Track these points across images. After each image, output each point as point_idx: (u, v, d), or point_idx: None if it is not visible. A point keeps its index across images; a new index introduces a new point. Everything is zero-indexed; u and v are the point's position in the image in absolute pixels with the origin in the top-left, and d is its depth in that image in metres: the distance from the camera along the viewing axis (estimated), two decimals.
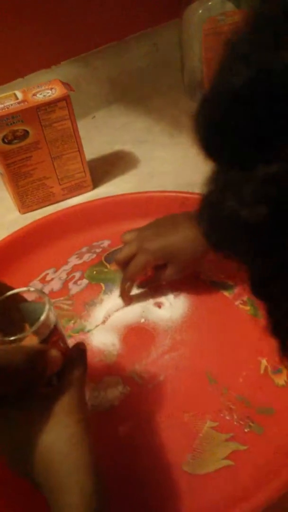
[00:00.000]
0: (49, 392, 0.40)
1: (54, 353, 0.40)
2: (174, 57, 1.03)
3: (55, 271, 0.68)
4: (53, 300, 0.64)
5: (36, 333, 0.40)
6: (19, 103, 0.70)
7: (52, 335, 0.41)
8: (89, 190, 0.82)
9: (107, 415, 0.52)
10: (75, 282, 0.66)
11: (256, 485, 0.44)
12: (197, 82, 0.96)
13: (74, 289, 0.65)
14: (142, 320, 0.60)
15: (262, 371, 0.53)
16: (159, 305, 0.61)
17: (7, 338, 0.39)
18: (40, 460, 0.37)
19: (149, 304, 0.62)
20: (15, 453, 0.38)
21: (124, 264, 0.61)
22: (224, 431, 0.49)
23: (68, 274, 0.68)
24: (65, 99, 0.70)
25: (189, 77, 0.99)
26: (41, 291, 0.43)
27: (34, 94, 0.71)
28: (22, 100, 0.70)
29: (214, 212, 0.27)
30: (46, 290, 0.65)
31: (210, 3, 0.87)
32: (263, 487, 0.43)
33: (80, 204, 0.76)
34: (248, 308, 0.59)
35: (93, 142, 0.90)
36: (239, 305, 0.60)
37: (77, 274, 0.67)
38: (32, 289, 0.43)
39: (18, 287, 0.66)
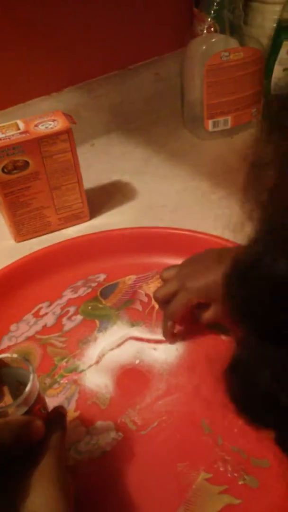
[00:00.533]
0: (27, 457, 0.40)
1: (38, 423, 0.40)
2: (176, 88, 1.03)
3: (49, 305, 0.67)
4: (46, 336, 0.63)
5: (20, 404, 0.41)
6: (20, 133, 0.69)
7: (35, 403, 0.42)
8: (86, 221, 0.81)
9: (98, 461, 0.51)
10: (69, 318, 0.65)
11: None
12: (196, 115, 0.96)
13: (68, 325, 0.65)
14: (137, 362, 0.59)
15: None
16: (154, 347, 0.61)
17: None
18: None
19: (144, 345, 0.61)
20: None
21: (163, 303, 0.60)
22: (218, 483, 0.48)
23: (62, 308, 0.67)
24: (67, 132, 0.70)
25: (188, 109, 1.00)
26: (24, 359, 0.43)
27: (36, 125, 0.71)
28: (24, 131, 0.70)
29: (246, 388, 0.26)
30: (40, 324, 0.65)
31: (214, 40, 0.88)
32: None
33: (77, 237, 0.75)
34: None
35: (91, 170, 0.90)
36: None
37: (72, 309, 0.67)
38: (15, 355, 0.44)
39: (11, 321, 0.66)
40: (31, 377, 0.42)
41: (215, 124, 0.95)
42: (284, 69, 0.95)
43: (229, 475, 0.48)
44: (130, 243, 0.73)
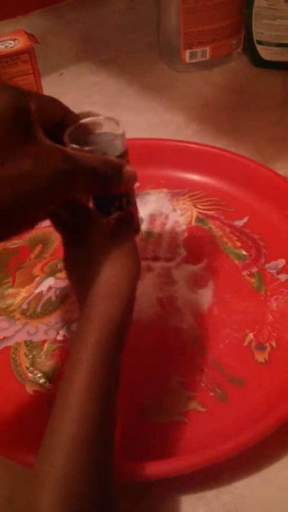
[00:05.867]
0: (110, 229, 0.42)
1: (130, 168, 0.40)
2: (152, 17, 0.97)
3: None
4: None
5: (112, 147, 0.41)
6: None
7: (125, 156, 0.42)
8: None
9: None
10: None
11: (200, 447, 0.43)
12: (172, 46, 0.91)
13: None
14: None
15: (245, 343, 0.51)
16: (169, 259, 0.59)
17: (85, 147, 0.39)
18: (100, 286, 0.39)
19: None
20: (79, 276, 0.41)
21: None
22: (189, 389, 0.48)
23: None
24: (28, 51, 0.65)
25: (164, 39, 0.94)
26: (113, 118, 0.42)
27: None
28: None
29: None
30: None
31: None
32: (206, 451, 0.42)
33: None
34: (253, 280, 0.56)
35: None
36: (245, 275, 0.57)
37: None
38: (101, 117, 0.42)
39: None
40: (121, 126, 0.41)
41: (192, 55, 0.90)
42: None
43: (202, 384, 0.48)
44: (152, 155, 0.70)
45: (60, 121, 0.40)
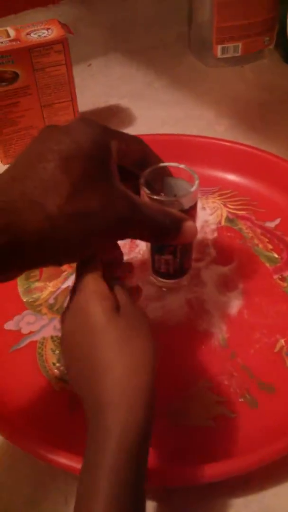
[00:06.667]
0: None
1: (191, 224, 0.41)
2: (182, 9, 0.95)
3: None
4: None
5: (181, 201, 0.43)
6: (10, 41, 0.63)
7: (192, 210, 0.44)
8: None
9: None
10: None
11: (229, 453, 0.43)
12: (204, 39, 0.89)
13: None
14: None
15: (276, 349, 0.50)
16: (199, 259, 0.57)
17: (155, 197, 0.41)
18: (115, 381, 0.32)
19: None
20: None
21: None
22: (217, 393, 0.47)
23: None
24: (62, 42, 0.63)
25: (196, 32, 0.92)
26: (191, 170, 0.44)
27: (28, 33, 0.64)
28: (15, 38, 0.63)
29: None
30: None
31: None
32: (233, 460, 0.41)
33: None
34: (285, 284, 0.55)
35: (87, 92, 0.83)
36: (277, 279, 0.56)
37: None
38: (182, 166, 0.44)
39: None
40: (196, 182, 0.43)
41: (224, 50, 0.88)
42: None
43: (231, 390, 0.47)
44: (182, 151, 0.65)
45: (141, 161, 0.41)
